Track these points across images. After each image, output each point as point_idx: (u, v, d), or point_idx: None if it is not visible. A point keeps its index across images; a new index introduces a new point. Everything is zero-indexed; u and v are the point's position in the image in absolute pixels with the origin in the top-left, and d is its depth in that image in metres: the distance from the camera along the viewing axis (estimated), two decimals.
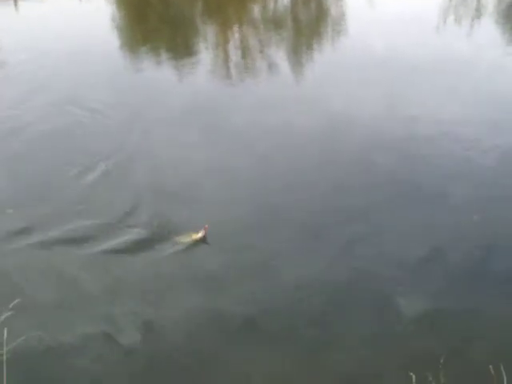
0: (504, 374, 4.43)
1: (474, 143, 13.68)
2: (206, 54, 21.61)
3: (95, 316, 8.53)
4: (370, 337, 8.22)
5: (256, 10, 26.43)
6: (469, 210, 11.24)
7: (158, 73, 19.64)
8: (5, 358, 6.60)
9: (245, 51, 22.02)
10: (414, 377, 4.63)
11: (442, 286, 9.36)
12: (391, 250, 10.32)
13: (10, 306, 6.96)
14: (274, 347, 7.93)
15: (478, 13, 23.95)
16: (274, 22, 24.76)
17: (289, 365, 7.64)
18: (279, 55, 20.84)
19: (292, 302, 8.87)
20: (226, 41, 22.85)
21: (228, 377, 7.46)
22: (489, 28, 22.13)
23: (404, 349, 7.92)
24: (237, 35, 23.56)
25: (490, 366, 4.44)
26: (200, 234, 10.27)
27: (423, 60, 18.54)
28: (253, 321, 8.43)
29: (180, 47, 22.62)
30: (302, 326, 8.32)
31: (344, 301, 9.02)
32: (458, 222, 10.91)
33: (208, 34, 23.88)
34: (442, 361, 5.23)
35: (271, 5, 27.58)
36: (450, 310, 8.78)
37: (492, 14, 23.65)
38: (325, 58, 20.46)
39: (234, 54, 21.63)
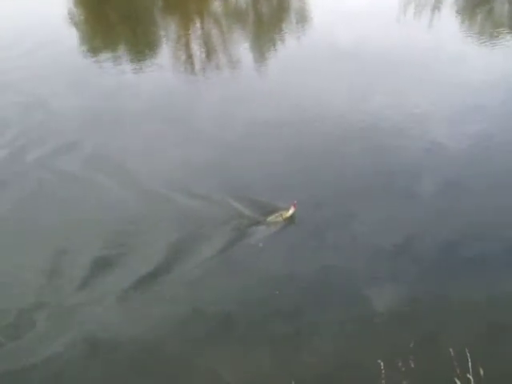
0: (469, 357, 4.59)
1: (438, 133, 13.95)
2: (167, 49, 21.40)
3: None
4: (342, 325, 8.37)
5: (218, 4, 26.21)
6: (436, 198, 11.47)
7: (118, 69, 19.35)
8: None
9: (208, 45, 21.88)
10: (382, 364, 4.74)
11: (410, 275, 9.55)
12: (359, 239, 10.51)
13: None
14: None
15: (438, 4, 24.32)
16: (237, 15, 24.60)
17: None
18: (243, 49, 20.77)
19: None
20: (188, 35, 22.66)
21: None
22: (448, 19, 22.54)
23: (375, 336, 8.09)
24: (199, 29, 23.37)
25: (450, 350, 4.59)
26: (290, 211, 10.38)
27: (387, 51, 18.74)
28: None
29: (141, 42, 22.30)
30: None
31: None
32: (424, 212, 11.12)
33: (169, 28, 23.57)
34: (411, 346, 5.36)
35: None
36: (419, 298, 8.98)
37: (451, 6, 24.10)
38: (290, 50, 20.45)
39: (197, 49, 21.49)
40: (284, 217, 10.40)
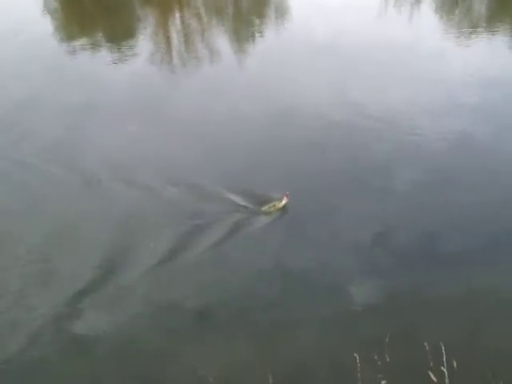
0: (443, 350, 4.62)
1: (417, 127, 14.05)
2: (145, 40, 21.09)
3: None
4: (319, 318, 8.39)
5: None
6: (414, 192, 11.55)
7: (96, 59, 19.08)
8: None
9: (186, 37, 21.68)
10: (357, 357, 4.76)
11: (388, 268, 9.62)
12: (337, 233, 10.55)
13: None
14: None
15: (418, 0, 24.43)
16: (217, 8, 24.32)
17: None
18: (222, 41, 20.63)
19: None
20: (167, 26, 22.40)
21: None
22: (428, 15, 22.66)
23: (352, 329, 8.14)
24: (178, 20, 23.11)
25: (425, 343, 4.62)
26: (283, 202, 10.67)
27: (366, 46, 18.78)
28: None
29: (118, 32, 21.98)
30: None
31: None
32: (403, 206, 11.19)
33: (148, 19, 23.18)
34: (386, 340, 5.39)
35: None
36: (396, 292, 9.05)
37: (431, 2, 24.24)
38: (269, 43, 20.36)
39: (176, 40, 21.27)
40: (277, 207, 10.67)
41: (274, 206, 10.67)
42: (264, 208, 10.74)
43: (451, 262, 9.64)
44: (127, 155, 12.83)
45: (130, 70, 18.43)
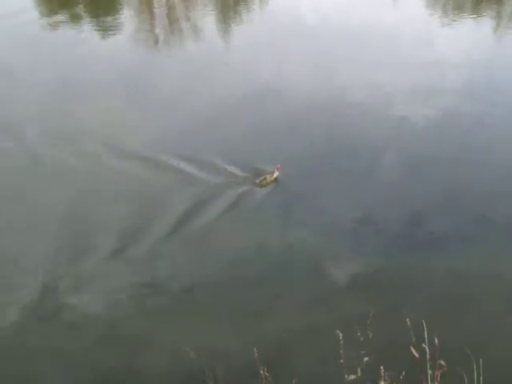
0: (425, 328, 4.68)
1: (402, 110, 14.09)
2: (130, 20, 20.86)
3: None
4: (303, 300, 8.47)
5: None
6: (400, 174, 11.62)
7: (79, 38, 18.78)
8: None
9: (171, 17, 21.42)
10: (340, 334, 4.80)
11: (373, 247, 9.72)
12: (323, 213, 10.60)
13: None
14: None
15: None
16: None
17: None
18: (207, 21, 20.45)
19: None
20: (152, 7, 22.12)
21: None
22: None
23: (336, 308, 8.22)
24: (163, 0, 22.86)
25: (407, 320, 4.68)
26: (275, 175, 11.06)
27: (353, 29, 18.76)
28: None
29: (102, 11, 21.67)
30: None
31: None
32: (387, 188, 11.27)
33: None
34: (369, 318, 5.43)
35: None
36: (379, 272, 9.15)
37: None
38: (254, 25, 20.28)
39: (161, 20, 21.03)
40: (269, 180, 11.03)
41: (266, 179, 11.02)
42: (256, 181, 11.07)
43: (435, 244, 9.77)
44: (110, 131, 12.72)
45: (112, 46, 18.19)
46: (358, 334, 5.22)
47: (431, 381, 4.68)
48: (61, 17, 20.13)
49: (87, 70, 16.03)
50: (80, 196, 10.79)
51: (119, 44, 18.40)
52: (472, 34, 18.94)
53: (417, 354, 4.41)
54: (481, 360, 5.11)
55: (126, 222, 10.13)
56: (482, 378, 4.99)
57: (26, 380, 7.29)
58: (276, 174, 11.12)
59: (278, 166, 11.08)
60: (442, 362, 4.45)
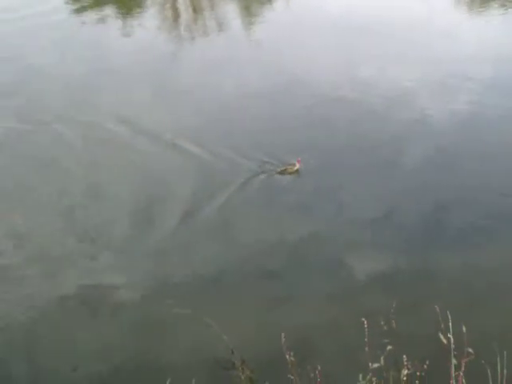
0: (449, 316, 4.72)
1: (426, 104, 14.00)
2: (153, 10, 21.00)
3: None
4: (327, 291, 8.54)
5: None
6: (423, 168, 11.58)
7: (103, 30, 18.99)
8: None
9: (195, 7, 21.50)
10: (365, 321, 4.87)
11: (396, 243, 9.73)
12: (345, 207, 10.63)
13: None
14: None
15: None
16: None
17: None
18: (231, 13, 20.48)
19: None
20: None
21: None
22: None
23: (358, 300, 8.28)
24: None
25: (431, 312, 4.72)
26: (296, 167, 11.20)
27: (376, 22, 18.64)
28: None
29: (127, 5, 21.87)
30: None
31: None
32: (410, 182, 11.25)
33: None
34: (393, 308, 5.50)
35: None
36: (403, 264, 9.16)
37: None
38: (279, 16, 20.24)
39: (184, 13, 21.11)
40: (289, 171, 11.19)
41: (286, 169, 11.15)
42: (277, 170, 11.23)
43: (459, 237, 9.74)
44: (138, 121, 12.91)
45: (137, 40, 18.38)
46: (382, 324, 5.29)
47: (455, 370, 4.73)
48: (90, 14, 20.38)
49: (114, 64, 16.24)
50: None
51: (144, 37, 18.56)
52: (500, 27, 18.66)
53: (445, 341, 4.44)
54: (505, 353, 5.12)
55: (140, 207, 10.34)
56: (505, 372, 5.01)
57: None
58: (297, 167, 11.18)
59: (299, 158, 11.12)
60: (470, 350, 4.47)
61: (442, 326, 4.71)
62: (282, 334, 4.94)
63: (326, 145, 12.37)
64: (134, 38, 18.33)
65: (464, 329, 4.56)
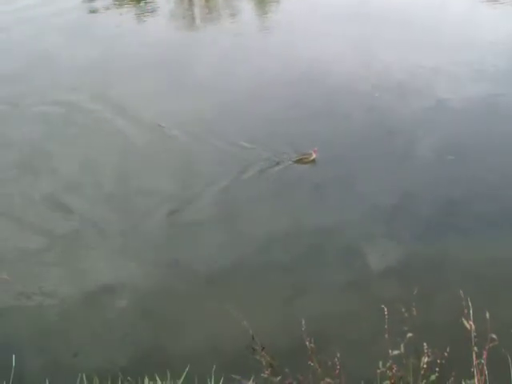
0: (470, 304, 4.70)
1: (442, 93, 13.89)
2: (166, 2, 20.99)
3: None
4: (344, 280, 8.55)
5: None
6: (437, 158, 11.50)
7: (116, 20, 19.04)
8: None
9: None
10: (385, 308, 4.87)
11: (413, 232, 9.69)
12: (359, 198, 10.60)
13: None
14: None
15: None
16: None
17: None
18: (246, 2, 20.43)
19: None
20: None
21: None
22: None
23: (376, 289, 8.28)
24: None
25: (461, 291, 4.70)
26: (312, 157, 11.18)
27: (391, 9, 18.50)
28: None
29: None
30: None
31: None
32: (425, 172, 11.18)
33: None
34: (413, 295, 5.50)
35: None
36: (420, 255, 9.13)
37: None
38: (294, 5, 20.15)
39: (197, 2, 21.09)
40: (306, 161, 11.22)
41: (302, 159, 11.17)
42: (293, 159, 11.28)
43: (474, 226, 9.67)
44: (151, 111, 12.96)
45: (151, 28, 18.42)
46: (401, 311, 5.29)
47: (476, 358, 4.71)
48: (101, 2, 20.42)
49: (126, 51, 16.29)
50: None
51: (157, 26, 18.58)
52: None
53: (468, 326, 4.43)
54: None
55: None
56: None
57: None
58: (313, 156, 11.15)
59: (316, 148, 11.10)
60: (493, 336, 4.46)
61: (464, 313, 4.70)
62: (303, 321, 4.95)
63: (340, 133, 12.33)
64: (146, 24, 18.37)
65: (488, 315, 4.53)
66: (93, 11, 19.56)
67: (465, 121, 12.69)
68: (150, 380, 5.87)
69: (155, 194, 10.61)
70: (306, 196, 10.69)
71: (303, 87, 14.08)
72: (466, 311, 4.72)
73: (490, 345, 4.49)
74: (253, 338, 5.29)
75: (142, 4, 20.23)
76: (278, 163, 11.20)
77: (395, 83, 14.26)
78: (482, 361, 4.75)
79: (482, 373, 4.74)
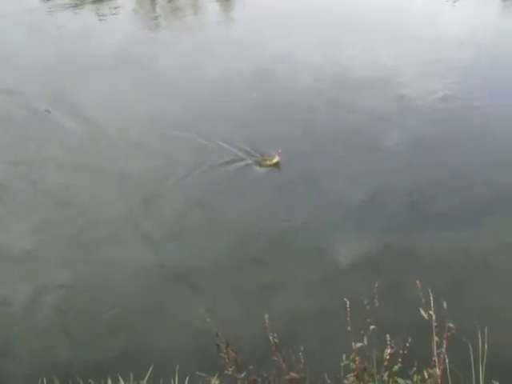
0: (430, 294, 4.75)
1: (407, 87, 14.05)
2: None
3: None
4: (311, 275, 8.56)
5: None
6: (403, 152, 11.62)
7: (78, 16, 18.70)
8: None
9: None
10: (348, 302, 4.89)
11: (379, 224, 9.77)
12: (327, 192, 10.64)
13: None
14: None
15: None
16: None
17: None
18: None
19: None
20: None
21: None
22: None
23: (343, 283, 8.32)
24: None
25: (414, 292, 4.77)
26: (275, 160, 10.92)
27: (357, 3, 18.65)
28: None
29: None
30: None
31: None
32: (392, 166, 11.29)
33: None
34: (376, 287, 5.52)
35: None
36: (386, 247, 9.21)
37: None
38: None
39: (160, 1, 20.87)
40: (269, 164, 10.99)
41: (266, 162, 10.93)
42: (257, 161, 11.12)
43: (441, 222, 9.82)
44: (114, 111, 12.74)
45: (112, 25, 18.15)
46: (365, 304, 5.33)
47: (437, 347, 4.77)
48: (60, 1, 20.00)
49: (88, 49, 16.00)
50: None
51: (120, 22, 18.31)
52: (479, 12, 18.76)
53: (426, 316, 4.48)
54: (486, 328, 5.18)
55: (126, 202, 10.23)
56: (486, 347, 5.07)
57: None
58: (276, 159, 10.90)
59: (280, 151, 10.82)
60: (451, 325, 4.52)
61: (424, 304, 4.75)
62: (266, 316, 4.93)
63: (305, 129, 12.36)
64: (109, 22, 18.08)
65: (445, 305, 4.59)
66: (51, 10, 19.13)
67: (430, 115, 12.88)
68: (112, 381, 5.75)
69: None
70: (273, 193, 10.66)
71: (267, 80, 14.06)
72: (427, 302, 4.79)
73: (448, 334, 4.55)
74: (217, 335, 5.24)
75: (104, 2, 19.92)
76: (241, 161, 11.11)
77: (360, 78, 14.38)
78: (443, 350, 4.81)
79: (443, 362, 4.80)
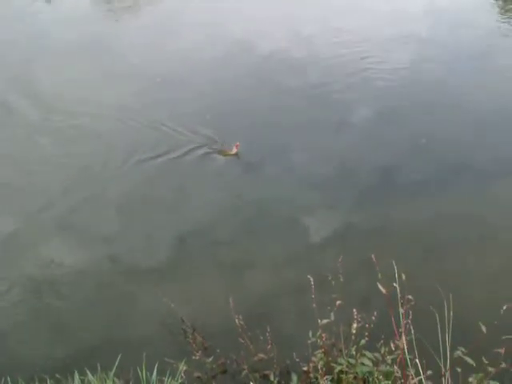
0: (395, 266, 4.75)
1: (370, 61, 14.02)
2: None
3: None
4: (279, 254, 8.52)
5: None
6: (370, 127, 11.62)
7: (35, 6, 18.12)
8: None
9: None
10: (311, 279, 4.86)
11: (346, 201, 9.76)
12: (295, 170, 10.58)
13: None
14: None
15: None
16: None
17: None
18: None
19: None
20: None
21: None
22: None
23: (311, 260, 8.30)
24: None
25: (372, 256, 4.76)
26: (233, 151, 10.79)
27: None
28: None
29: None
30: None
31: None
32: (359, 141, 11.27)
33: None
34: (340, 263, 5.50)
35: None
36: (353, 223, 9.21)
37: None
38: None
39: None
40: (228, 153, 10.83)
41: (225, 151, 10.91)
42: (218, 149, 11.00)
43: (408, 194, 9.85)
44: (72, 96, 12.41)
45: (64, 8, 17.60)
46: (329, 278, 5.33)
47: (402, 318, 4.78)
48: None
49: (41, 32, 15.54)
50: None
51: (75, 10, 17.80)
52: None
53: (383, 290, 4.47)
54: (450, 295, 5.21)
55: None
56: (451, 314, 5.11)
57: None
58: (234, 151, 10.83)
59: (238, 143, 10.73)
60: (410, 297, 4.54)
61: (391, 277, 4.75)
62: (230, 299, 4.86)
63: (270, 107, 12.24)
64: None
65: (404, 277, 4.60)
66: None
67: (391, 89, 12.88)
68: (80, 375, 5.63)
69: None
70: (238, 172, 10.54)
71: (229, 64, 13.86)
72: (392, 275, 4.80)
73: (411, 304, 4.57)
74: (182, 321, 5.16)
75: None
76: (202, 146, 10.90)
77: (320, 53, 14.32)
78: (409, 321, 4.83)
79: (407, 332, 4.82)
